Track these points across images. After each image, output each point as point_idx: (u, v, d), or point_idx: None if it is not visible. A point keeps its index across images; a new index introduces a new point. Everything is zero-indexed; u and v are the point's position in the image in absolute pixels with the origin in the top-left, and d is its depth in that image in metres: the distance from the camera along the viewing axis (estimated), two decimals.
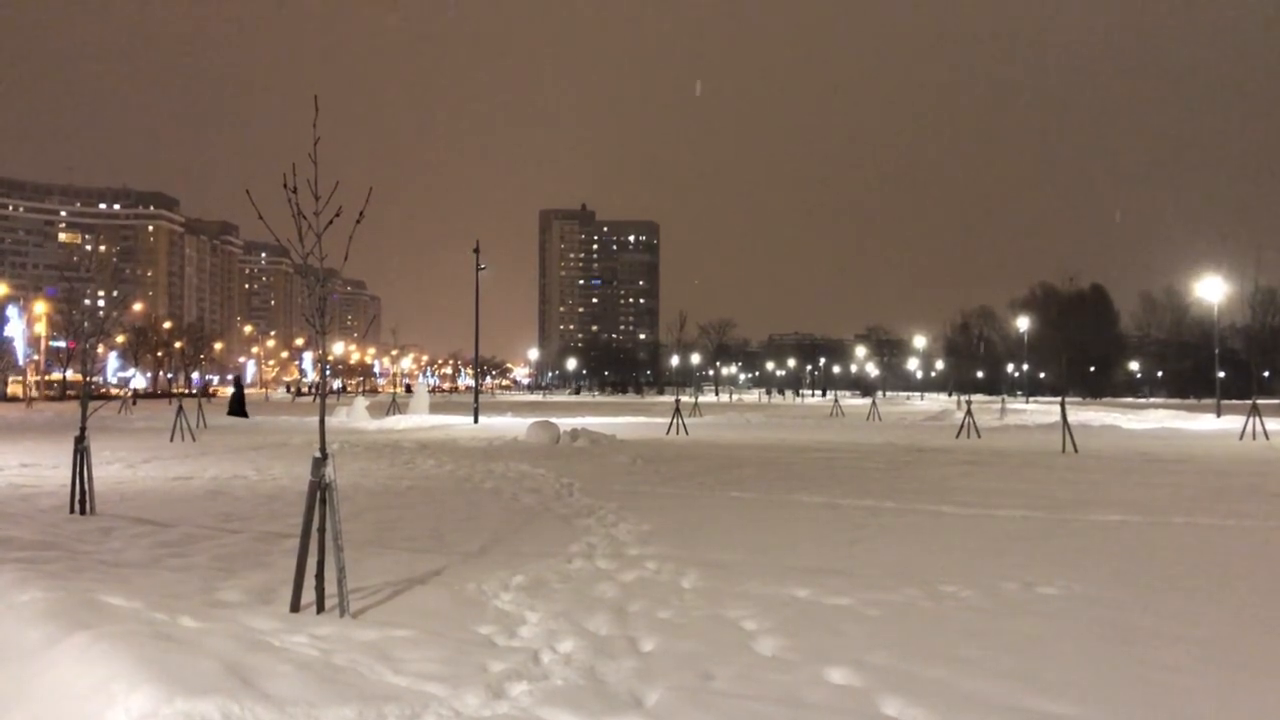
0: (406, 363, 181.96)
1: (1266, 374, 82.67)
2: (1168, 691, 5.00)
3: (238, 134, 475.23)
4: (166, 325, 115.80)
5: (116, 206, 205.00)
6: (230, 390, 45.04)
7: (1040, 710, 4.69)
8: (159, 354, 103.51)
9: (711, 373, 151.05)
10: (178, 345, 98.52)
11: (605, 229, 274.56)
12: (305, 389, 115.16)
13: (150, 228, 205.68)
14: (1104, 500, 13.09)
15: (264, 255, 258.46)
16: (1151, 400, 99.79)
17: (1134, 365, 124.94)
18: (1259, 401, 30.21)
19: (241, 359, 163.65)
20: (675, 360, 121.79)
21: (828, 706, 4.75)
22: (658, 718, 4.54)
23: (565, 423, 28.25)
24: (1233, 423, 33.65)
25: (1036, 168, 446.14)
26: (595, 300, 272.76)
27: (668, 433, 30.00)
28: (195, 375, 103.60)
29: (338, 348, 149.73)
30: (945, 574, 7.92)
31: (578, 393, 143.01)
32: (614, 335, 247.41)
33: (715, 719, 4.52)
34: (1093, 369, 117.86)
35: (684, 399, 40.75)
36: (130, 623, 5.76)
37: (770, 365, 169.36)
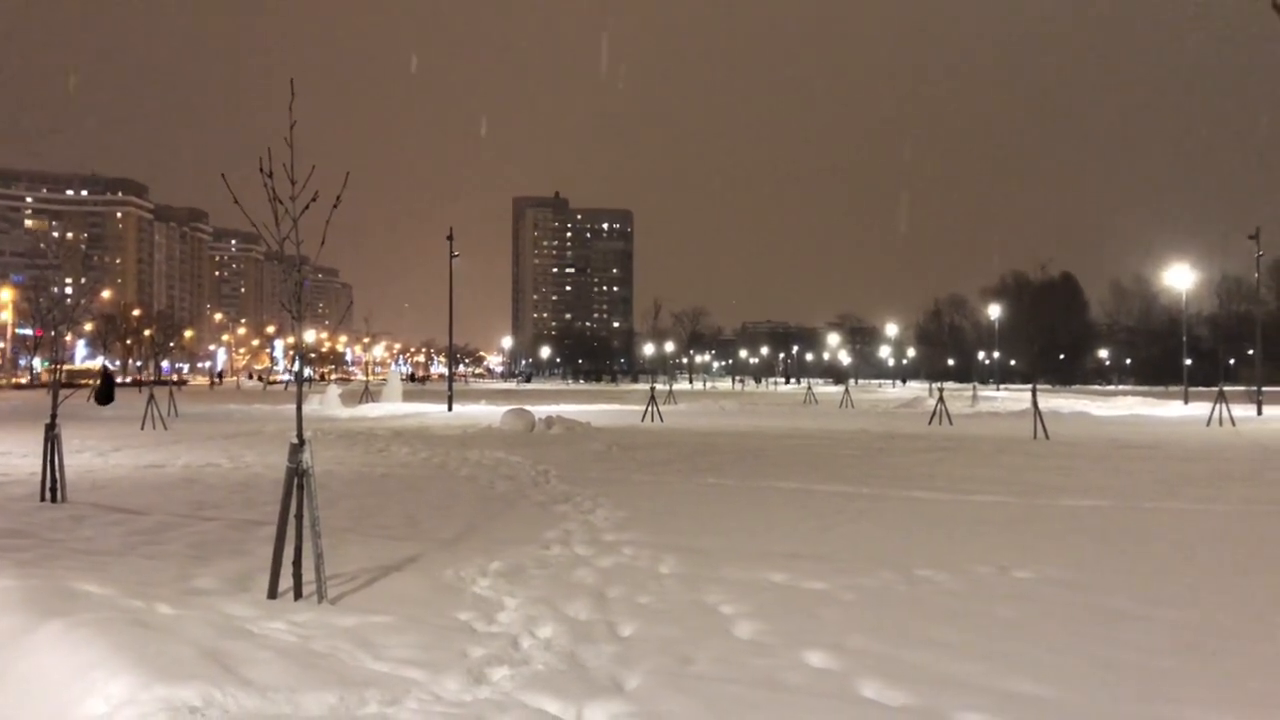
0: (379, 350, 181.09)
1: (1232, 361, 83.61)
2: (1141, 672, 5.07)
3: (207, 121, 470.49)
4: (136, 313, 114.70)
5: (84, 193, 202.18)
6: (98, 381, 44.75)
7: (1016, 691, 4.75)
8: (128, 342, 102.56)
9: (685, 361, 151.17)
10: (147, 333, 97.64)
11: (579, 217, 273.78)
12: (264, 377, 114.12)
13: (119, 214, 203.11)
14: (1075, 486, 13.23)
15: (234, 242, 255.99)
16: (1120, 387, 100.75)
17: (1103, 353, 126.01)
18: (1225, 388, 30.59)
19: (212, 346, 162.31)
20: (649, 348, 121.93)
21: (807, 689, 4.78)
22: (638, 701, 4.57)
23: (540, 410, 28.23)
24: (1200, 409, 34.07)
25: (1007, 157, 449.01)
26: (569, 288, 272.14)
27: (643, 420, 30.04)
28: (165, 363, 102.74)
29: (309, 335, 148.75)
30: (920, 558, 7.99)
31: (528, 380, 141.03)
32: (588, 323, 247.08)
33: (695, 702, 4.54)
34: (1063, 356, 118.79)
35: (658, 387, 40.81)
36: (105, 610, 5.72)
37: (744, 353, 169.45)
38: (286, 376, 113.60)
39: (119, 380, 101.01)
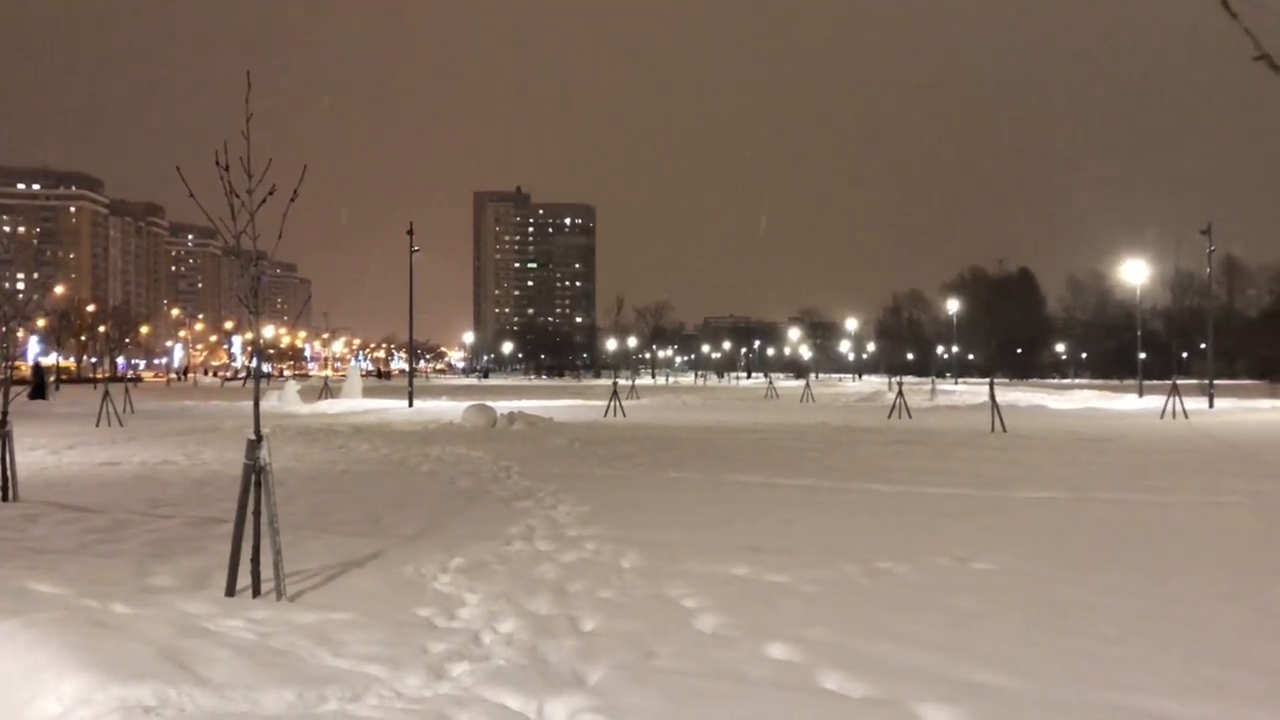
0: (339, 346, 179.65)
1: (1185, 355, 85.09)
2: (1099, 661, 5.14)
3: (164, 115, 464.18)
4: (90, 309, 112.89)
5: (36, 187, 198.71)
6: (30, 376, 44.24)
7: (976, 681, 4.80)
8: (82, 338, 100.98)
9: (648, 356, 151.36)
10: (102, 329, 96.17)
11: (541, 212, 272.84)
12: (219, 373, 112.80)
13: (72, 209, 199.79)
14: (1033, 478, 13.39)
15: (191, 237, 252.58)
16: (1076, 381, 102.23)
17: (1060, 347, 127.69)
18: (1178, 381, 31.09)
19: (169, 342, 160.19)
20: (612, 343, 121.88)
21: (768, 681, 4.80)
22: (600, 696, 4.56)
23: (502, 406, 28.14)
24: (1154, 402, 34.60)
25: (966, 154, 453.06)
26: (531, 283, 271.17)
27: (605, 415, 30.02)
28: (121, 360, 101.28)
29: (268, 331, 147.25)
30: (881, 550, 8.05)
31: (485, 376, 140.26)
32: (550, 319, 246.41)
33: (657, 696, 4.55)
34: (1020, 351, 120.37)
35: (621, 382, 40.81)
36: (59, 609, 5.64)
37: (706, 348, 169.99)
38: (226, 373, 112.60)
39: (74, 377, 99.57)
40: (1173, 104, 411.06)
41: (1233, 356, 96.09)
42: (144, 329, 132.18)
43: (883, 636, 5.56)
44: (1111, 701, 4.54)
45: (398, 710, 4.39)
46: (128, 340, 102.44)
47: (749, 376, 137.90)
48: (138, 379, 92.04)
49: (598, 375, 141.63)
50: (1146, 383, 49.27)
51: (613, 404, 31.29)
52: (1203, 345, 54.23)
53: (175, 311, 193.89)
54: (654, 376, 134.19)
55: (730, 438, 21.03)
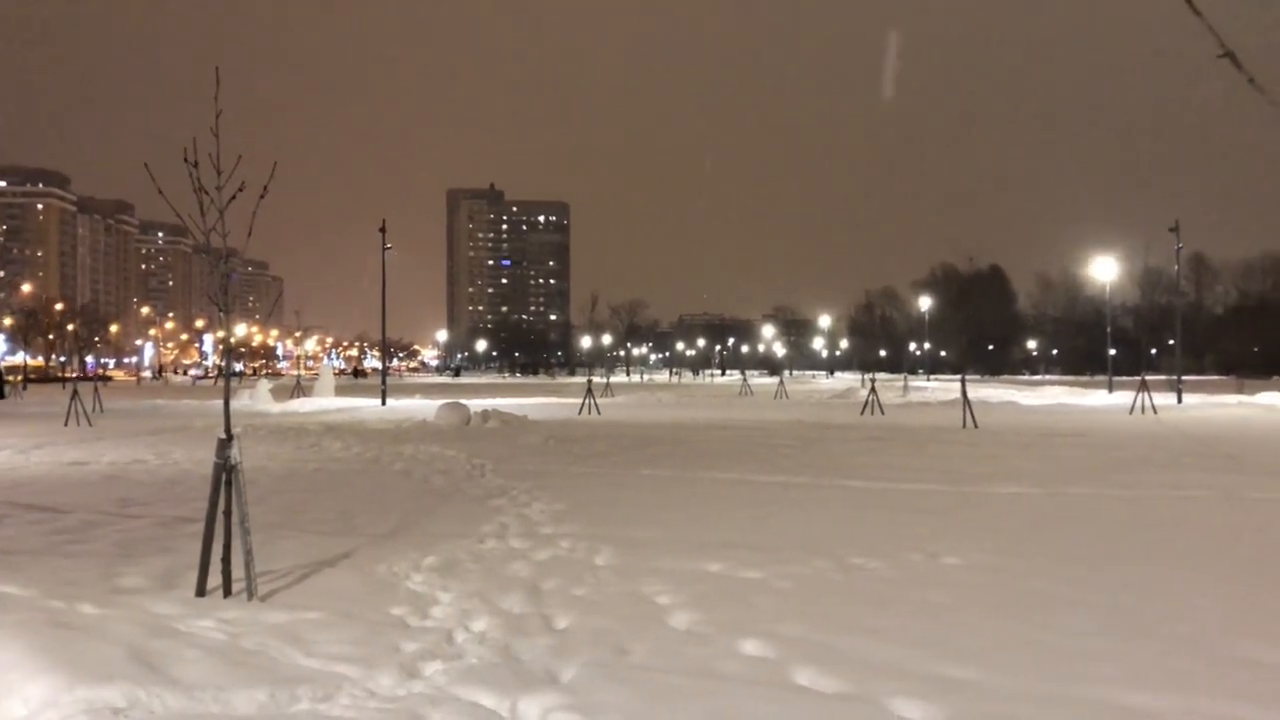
0: (311, 344, 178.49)
1: (1154, 351, 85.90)
2: (1070, 655, 5.18)
3: (133, 112, 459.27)
4: (58, 307, 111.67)
5: (2, 184, 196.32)
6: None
7: (948, 676, 4.83)
8: (50, 337, 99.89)
9: (623, 353, 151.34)
10: (70, 328, 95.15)
11: (514, 209, 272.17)
12: (187, 372, 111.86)
13: (40, 206, 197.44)
14: (1004, 473, 13.48)
15: (161, 235, 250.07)
16: (1047, 377, 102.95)
17: (1031, 343, 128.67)
18: (1147, 377, 31.38)
19: (139, 341, 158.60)
20: (587, 341, 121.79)
21: (742, 677, 4.81)
22: (574, 693, 4.56)
23: (476, 404, 28.05)
24: (1123, 398, 34.90)
25: (938, 151, 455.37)
26: (505, 281, 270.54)
27: (580, 413, 29.99)
28: (90, 359, 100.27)
29: (239, 329, 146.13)
30: (853, 546, 8.08)
31: (457, 374, 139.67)
32: (524, 316, 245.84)
33: (631, 693, 4.55)
34: (991, 347, 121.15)
35: (596, 380, 40.80)
36: (25, 611, 5.58)
37: (681, 345, 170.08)
38: (197, 371, 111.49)
39: (43, 376, 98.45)
40: (1141, 102, 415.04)
41: (1200, 352, 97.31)
42: (113, 328, 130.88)
43: (856, 632, 5.58)
44: (1082, 695, 4.58)
45: (370, 710, 4.37)
46: (97, 339, 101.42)
47: (723, 374, 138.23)
48: (108, 378, 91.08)
49: (572, 373, 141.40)
50: (1116, 379, 49.69)
51: (587, 401, 31.27)
52: (1171, 341, 54.77)
53: (145, 310, 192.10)
54: (629, 374, 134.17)
55: (704, 435, 21.06)
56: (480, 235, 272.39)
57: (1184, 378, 38.69)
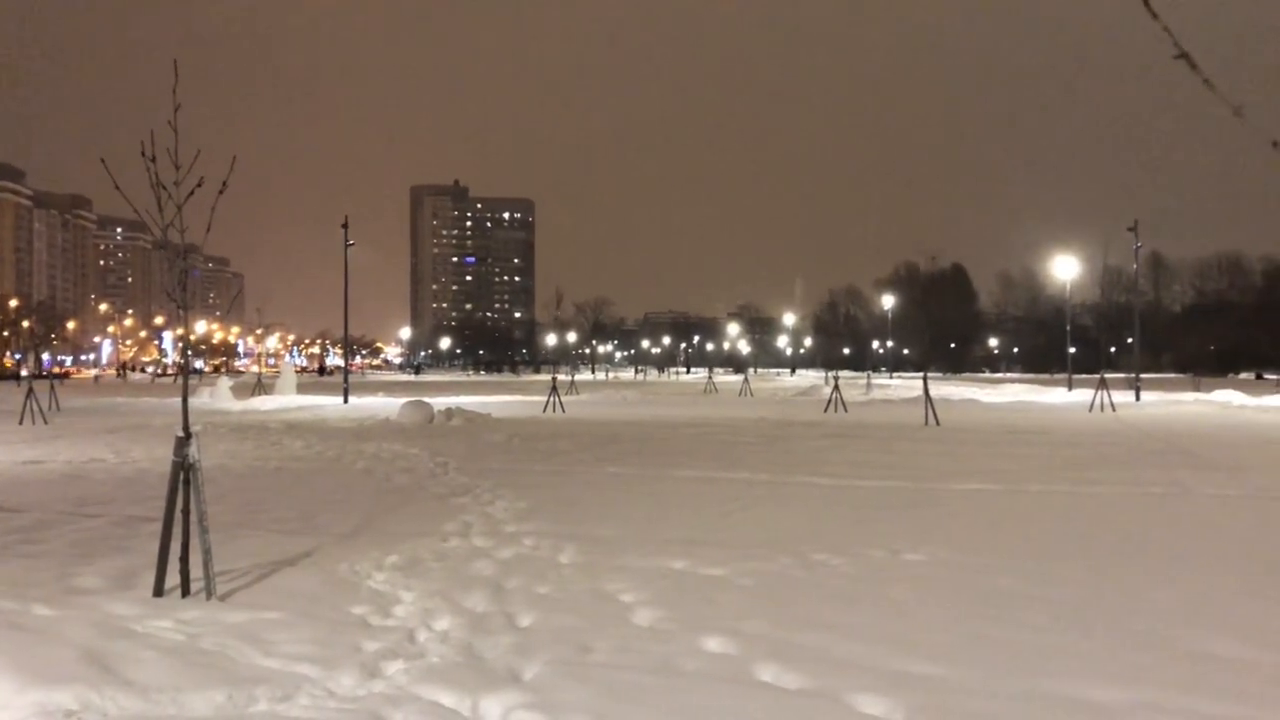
0: (272, 342, 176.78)
1: (1114, 349, 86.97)
2: (1031, 650, 5.23)
3: (90, 106, 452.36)
4: (14, 304, 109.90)
5: None
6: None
7: (910, 672, 4.86)
8: (5, 334, 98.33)
9: (588, 351, 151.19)
10: (26, 325, 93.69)
11: (479, 206, 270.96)
12: (145, 370, 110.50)
13: None
14: (965, 470, 13.60)
15: (119, 231, 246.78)
16: (1008, 375, 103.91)
17: (992, 341, 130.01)
18: (1106, 375, 31.77)
19: (97, 338, 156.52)
20: (552, 338, 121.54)
21: (704, 674, 4.82)
22: (536, 691, 4.54)
23: (440, 402, 27.91)
24: (1083, 396, 35.33)
25: (900, 151, 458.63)
26: (469, 278, 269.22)
27: (544, 411, 29.93)
28: (46, 356, 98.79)
29: (200, 326, 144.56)
30: (816, 543, 8.12)
31: (418, 371, 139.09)
32: (488, 314, 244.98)
33: (594, 691, 4.54)
34: (953, 345, 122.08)
35: (560, 377, 40.72)
36: None
37: (646, 343, 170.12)
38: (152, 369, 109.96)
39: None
40: (1100, 101, 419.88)
41: (1158, 351, 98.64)
42: (70, 324, 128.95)
43: (818, 628, 5.61)
44: (1039, 689, 4.62)
45: (330, 710, 4.33)
46: (54, 336, 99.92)
47: (689, 371, 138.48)
48: (65, 375, 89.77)
49: (537, 370, 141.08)
50: (1076, 376, 50.26)
51: (552, 399, 31.21)
52: (1130, 340, 55.47)
53: (104, 306, 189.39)
54: (594, 372, 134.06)
55: (669, 432, 21.08)
56: (444, 232, 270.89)
57: (1142, 375, 39.17)
